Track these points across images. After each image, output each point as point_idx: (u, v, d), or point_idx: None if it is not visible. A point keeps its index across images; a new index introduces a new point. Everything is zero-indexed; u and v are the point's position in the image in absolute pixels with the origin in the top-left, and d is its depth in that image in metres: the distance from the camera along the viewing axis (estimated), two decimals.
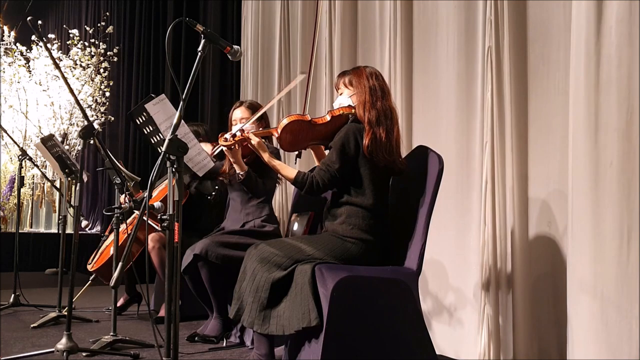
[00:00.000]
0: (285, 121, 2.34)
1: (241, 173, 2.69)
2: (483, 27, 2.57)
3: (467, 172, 2.69)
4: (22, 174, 4.01)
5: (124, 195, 2.84)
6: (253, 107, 2.98)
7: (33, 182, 7.37)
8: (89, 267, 3.40)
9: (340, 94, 2.40)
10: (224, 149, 2.62)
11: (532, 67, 2.46)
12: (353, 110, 2.32)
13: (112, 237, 2.92)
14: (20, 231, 3.90)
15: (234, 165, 2.70)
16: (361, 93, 2.30)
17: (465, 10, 2.74)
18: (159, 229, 2.32)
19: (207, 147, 2.75)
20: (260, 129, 2.81)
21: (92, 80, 6.84)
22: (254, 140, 2.42)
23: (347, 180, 2.28)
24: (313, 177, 2.28)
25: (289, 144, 2.39)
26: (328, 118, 2.34)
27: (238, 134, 2.54)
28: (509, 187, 2.45)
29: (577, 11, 1.95)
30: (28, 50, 7.11)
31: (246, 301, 2.18)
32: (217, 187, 3.20)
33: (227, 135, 2.59)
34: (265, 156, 2.40)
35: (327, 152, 2.39)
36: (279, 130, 2.33)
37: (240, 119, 2.93)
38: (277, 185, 3.07)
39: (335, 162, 2.25)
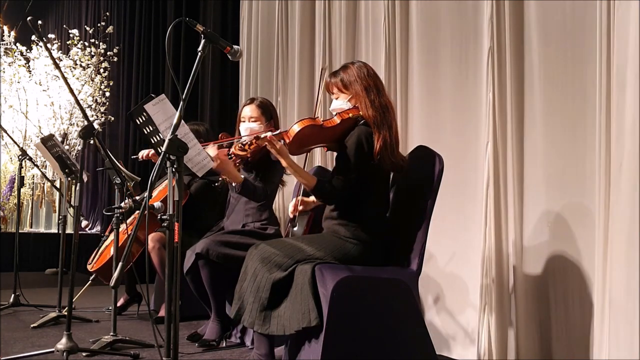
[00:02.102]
0: (297, 127, 2.26)
1: (237, 185, 2.66)
2: (485, 28, 2.56)
3: (469, 172, 2.68)
4: (22, 174, 4.01)
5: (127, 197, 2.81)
6: (264, 106, 2.91)
7: (33, 182, 7.37)
8: (89, 267, 3.40)
9: (336, 98, 2.36)
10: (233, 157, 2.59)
11: (532, 68, 2.45)
12: (360, 113, 2.28)
13: (112, 237, 2.92)
14: (20, 231, 3.90)
15: (229, 178, 2.65)
16: (358, 95, 2.27)
17: (467, 11, 2.74)
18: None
19: (212, 151, 2.67)
20: (270, 130, 2.74)
21: (92, 80, 6.83)
22: (277, 145, 2.29)
23: None
24: (333, 188, 2.24)
25: (297, 148, 2.32)
26: (337, 120, 2.28)
27: (248, 141, 2.42)
28: (510, 188, 2.45)
29: (599, 11, 1.96)
30: (28, 50, 7.10)
31: (247, 301, 2.18)
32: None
33: (241, 145, 2.52)
34: (287, 162, 2.29)
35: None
36: (291, 136, 2.26)
37: (249, 118, 2.87)
38: (279, 188, 3.04)
39: (353, 171, 2.22)
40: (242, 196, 2.75)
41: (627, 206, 1.89)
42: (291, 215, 2.56)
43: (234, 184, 2.66)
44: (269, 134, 2.38)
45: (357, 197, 2.26)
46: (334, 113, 2.33)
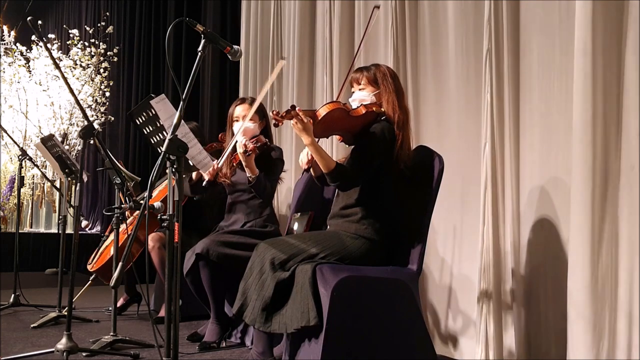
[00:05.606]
0: (327, 109, 2.22)
1: (252, 176, 2.68)
2: (485, 29, 2.56)
3: (470, 172, 2.68)
4: (22, 174, 4.01)
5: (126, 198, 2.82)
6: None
7: (33, 182, 7.38)
8: (89, 267, 3.40)
9: (360, 90, 2.36)
10: (241, 152, 2.67)
11: (531, 68, 2.45)
12: (382, 109, 2.30)
13: (112, 237, 2.92)
14: (20, 231, 3.90)
15: (246, 169, 2.71)
16: (389, 93, 2.30)
17: (470, 12, 2.73)
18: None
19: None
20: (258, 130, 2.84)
21: (92, 80, 6.84)
22: (305, 120, 2.17)
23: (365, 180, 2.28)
24: (352, 172, 2.22)
25: (322, 130, 2.28)
26: (362, 111, 2.27)
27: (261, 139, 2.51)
28: (508, 188, 2.45)
29: (578, 11, 1.95)
30: (28, 50, 7.11)
31: (250, 298, 2.18)
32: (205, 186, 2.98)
33: (248, 143, 2.64)
34: (310, 139, 2.19)
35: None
36: (320, 116, 2.21)
37: (243, 117, 2.88)
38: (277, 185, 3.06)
39: (375, 158, 2.24)
40: (253, 188, 2.76)
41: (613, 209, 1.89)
42: (306, 167, 2.45)
43: (248, 175, 2.69)
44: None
45: (370, 194, 2.27)
46: (358, 104, 2.31)
